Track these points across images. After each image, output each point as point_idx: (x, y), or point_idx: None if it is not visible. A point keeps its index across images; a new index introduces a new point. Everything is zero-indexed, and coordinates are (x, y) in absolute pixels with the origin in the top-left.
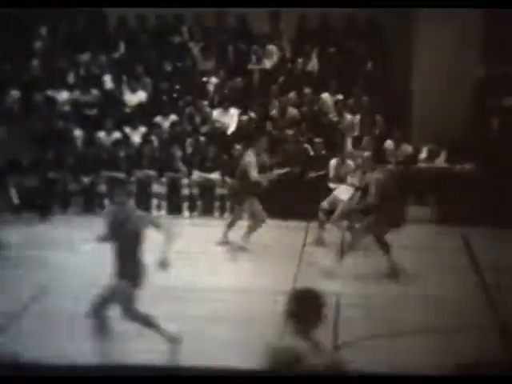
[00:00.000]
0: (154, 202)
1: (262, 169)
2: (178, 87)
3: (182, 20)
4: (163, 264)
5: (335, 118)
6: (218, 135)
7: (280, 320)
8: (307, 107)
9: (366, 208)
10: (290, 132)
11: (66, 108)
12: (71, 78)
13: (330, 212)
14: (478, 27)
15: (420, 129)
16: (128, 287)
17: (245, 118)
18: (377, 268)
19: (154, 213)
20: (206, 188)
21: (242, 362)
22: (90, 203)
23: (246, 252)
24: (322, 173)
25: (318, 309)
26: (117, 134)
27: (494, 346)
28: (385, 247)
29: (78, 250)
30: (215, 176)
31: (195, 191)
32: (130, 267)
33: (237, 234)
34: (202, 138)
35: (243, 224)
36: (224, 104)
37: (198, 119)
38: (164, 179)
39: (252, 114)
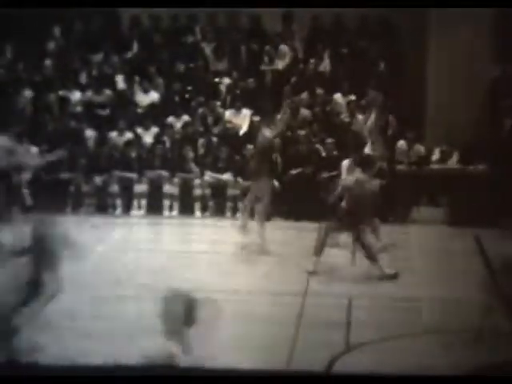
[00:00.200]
0: (166, 202)
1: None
2: (190, 88)
3: (195, 20)
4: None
5: (347, 119)
6: (230, 136)
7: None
8: (319, 108)
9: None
10: (302, 132)
11: (79, 108)
12: (84, 79)
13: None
14: (491, 27)
15: (433, 129)
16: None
17: (257, 118)
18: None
19: (166, 213)
20: (218, 189)
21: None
22: (102, 203)
23: (257, 252)
24: (334, 173)
25: (188, 311)
26: (129, 135)
27: (506, 347)
28: (370, 256)
29: (91, 251)
30: (227, 177)
31: (207, 192)
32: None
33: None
34: (215, 139)
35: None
36: (236, 105)
37: (210, 120)
38: (176, 180)
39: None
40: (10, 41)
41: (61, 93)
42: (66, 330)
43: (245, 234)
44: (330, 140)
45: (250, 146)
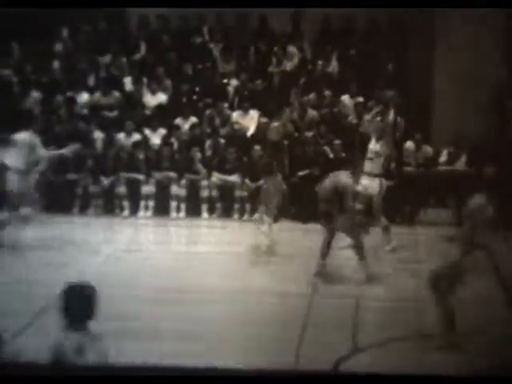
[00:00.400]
0: (174, 203)
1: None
2: (198, 89)
3: (203, 21)
4: None
5: (355, 121)
6: (237, 137)
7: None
8: (327, 109)
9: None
10: (309, 134)
11: (86, 110)
12: (92, 80)
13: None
14: (499, 28)
15: (440, 131)
16: None
17: (265, 120)
18: (397, 270)
19: (173, 214)
20: (226, 190)
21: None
22: (109, 204)
23: (264, 253)
24: None
25: (87, 303)
26: (136, 136)
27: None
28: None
29: (98, 252)
30: (235, 178)
31: (214, 193)
32: None
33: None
34: (222, 140)
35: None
36: (244, 106)
37: (217, 121)
38: (183, 181)
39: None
40: (17, 42)
41: (68, 94)
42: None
43: (261, 234)
44: (337, 141)
45: (257, 147)
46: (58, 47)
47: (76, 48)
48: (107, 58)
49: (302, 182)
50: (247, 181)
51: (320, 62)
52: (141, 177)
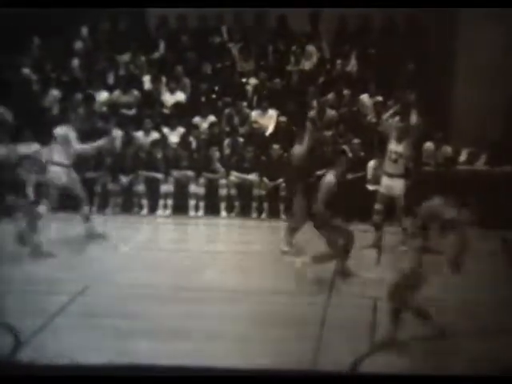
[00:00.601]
0: (192, 202)
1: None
2: (216, 88)
3: (222, 20)
4: None
5: (374, 120)
6: (256, 136)
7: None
8: (346, 108)
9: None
10: (328, 133)
11: (105, 108)
12: (111, 79)
13: (386, 212)
14: None
15: (460, 130)
16: None
17: (283, 119)
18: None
19: (192, 213)
20: (244, 189)
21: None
22: (128, 203)
23: (283, 253)
24: (360, 174)
25: None
26: (155, 135)
27: None
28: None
29: (117, 250)
30: (253, 177)
31: (233, 192)
32: None
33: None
34: (241, 139)
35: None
36: (263, 105)
37: (236, 120)
38: (202, 180)
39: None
40: (37, 40)
41: (88, 92)
42: (89, 328)
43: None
44: (356, 141)
45: (275, 146)
46: (78, 45)
47: (95, 46)
48: (126, 57)
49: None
50: (265, 179)
51: (339, 61)
52: (159, 175)
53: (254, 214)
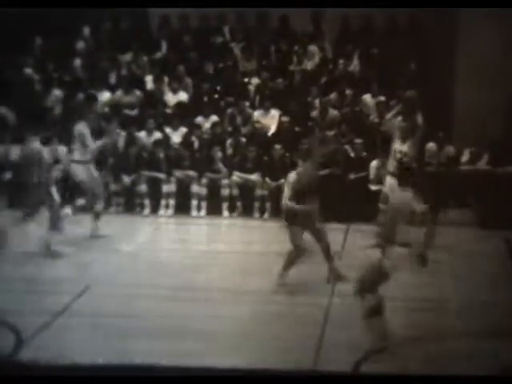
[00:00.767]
0: (194, 202)
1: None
2: (219, 88)
3: (224, 20)
4: None
5: (376, 120)
6: (258, 136)
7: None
8: (348, 108)
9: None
10: (330, 133)
11: (107, 108)
12: (113, 79)
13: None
14: None
15: (462, 130)
16: None
17: (286, 119)
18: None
19: (194, 213)
20: (246, 189)
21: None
22: (130, 203)
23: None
24: (362, 174)
25: None
26: (157, 135)
27: None
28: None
29: (119, 250)
30: (255, 177)
31: (235, 192)
32: None
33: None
34: (243, 139)
35: None
36: (265, 105)
37: (238, 120)
38: (204, 180)
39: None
40: (39, 40)
41: (90, 92)
42: (90, 328)
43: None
44: (358, 141)
45: (278, 146)
46: (80, 45)
47: (97, 46)
48: (128, 57)
49: (322, 182)
50: (268, 180)
51: (341, 61)
52: (162, 175)
53: (257, 214)
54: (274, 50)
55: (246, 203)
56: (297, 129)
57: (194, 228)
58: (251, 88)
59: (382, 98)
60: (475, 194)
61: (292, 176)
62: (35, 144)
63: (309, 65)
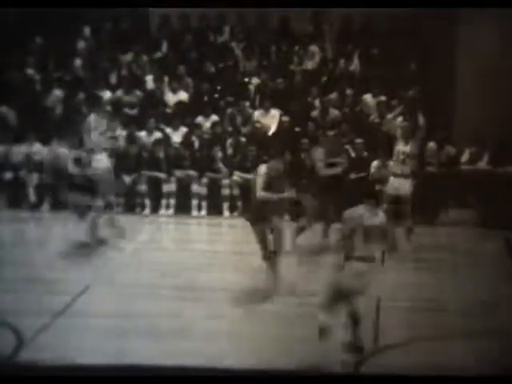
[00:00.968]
0: (195, 202)
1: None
2: (219, 88)
3: (224, 20)
4: None
5: (377, 120)
6: (258, 136)
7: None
8: (349, 108)
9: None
10: (330, 133)
11: (108, 108)
12: (113, 78)
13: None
14: None
15: (462, 130)
16: None
17: (286, 119)
18: (417, 270)
19: (194, 213)
20: (247, 189)
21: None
22: (130, 203)
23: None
24: (362, 174)
25: None
26: (158, 134)
27: None
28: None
29: (119, 250)
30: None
31: (236, 192)
32: None
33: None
34: (243, 139)
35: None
36: (265, 105)
37: (239, 120)
38: (204, 180)
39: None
40: (40, 40)
41: (90, 92)
42: (90, 328)
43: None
44: (359, 140)
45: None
46: (81, 45)
47: (98, 46)
48: (129, 57)
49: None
50: None
51: (342, 61)
52: (162, 175)
53: None
54: (275, 49)
55: (246, 203)
56: (297, 129)
57: (195, 228)
58: (251, 88)
59: (383, 98)
60: (475, 194)
61: (262, 169)
62: (61, 148)
63: (309, 65)
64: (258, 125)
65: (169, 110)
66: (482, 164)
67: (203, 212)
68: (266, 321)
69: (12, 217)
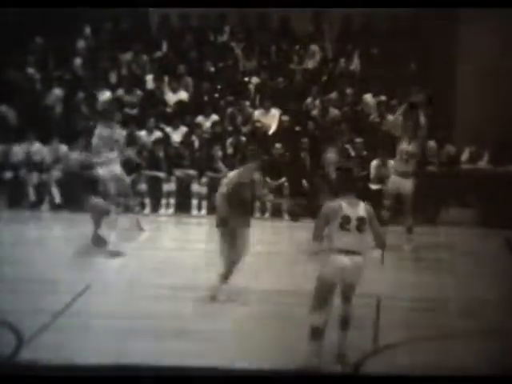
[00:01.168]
0: (195, 201)
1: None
2: (219, 87)
3: (225, 20)
4: None
5: (377, 119)
6: (259, 135)
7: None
8: (348, 108)
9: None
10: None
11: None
12: (113, 78)
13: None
14: None
15: (463, 130)
16: None
17: (286, 118)
18: (417, 270)
19: (195, 212)
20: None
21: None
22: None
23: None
24: (362, 174)
25: None
26: (158, 134)
27: None
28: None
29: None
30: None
31: None
32: None
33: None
34: (243, 138)
35: None
36: (265, 104)
37: (239, 119)
38: (204, 179)
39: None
40: (40, 39)
41: (90, 91)
42: (90, 328)
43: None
44: (359, 140)
45: (278, 146)
46: (81, 45)
47: (98, 46)
48: (129, 56)
49: (323, 181)
50: (268, 179)
51: (342, 61)
52: (162, 174)
53: (257, 214)
54: (275, 49)
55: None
56: (297, 128)
57: (195, 227)
58: (251, 87)
59: (383, 98)
60: (476, 194)
61: (232, 174)
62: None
63: (309, 64)
64: (258, 124)
65: (169, 110)
66: (483, 163)
67: (203, 211)
68: (266, 320)
69: (12, 216)
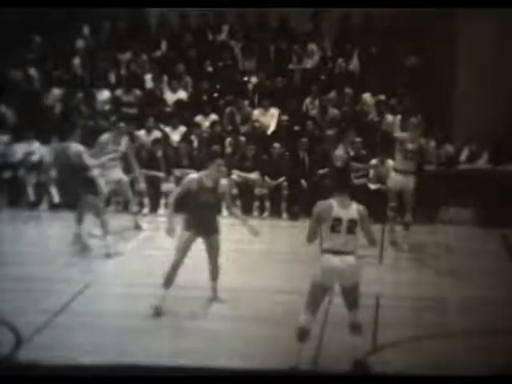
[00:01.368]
0: None
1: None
2: (218, 87)
3: (224, 19)
4: None
5: (376, 119)
6: (257, 135)
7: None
8: (348, 107)
9: None
10: (330, 132)
11: (107, 107)
12: (112, 77)
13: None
14: None
15: (462, 129)
16: None
17: (285, 117)
18: (417, 269)
19: None
20: (246, 187)
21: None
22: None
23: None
24: (361, 173)
25: None
26: (157, 133)
27: None
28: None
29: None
30: (255, 176)
31: (234, 191)
32: None
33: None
34: (242, 138)
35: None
36: (264, 104)
37: (238, 119)
38: None
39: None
40: (39, 39)
41: (89, 91)
42: (89, 328)
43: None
44: (358, 139)
45: (277, 145)
46: (80, 44)
47: (97, 45)
48: (128, 56)
49: (322, 180)
50: (267, 178)
51: (341, 60)
52: (161, 174)
53: (256, 213)
54: (274, 48)
55: (245, 202)
56: (296, 127)
57: None
58: (250, 87)
59: (382, 97)
60: (475, 193)
61: (192, 177)
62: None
63: (309, 63)
64: (257, 124)
65: (168, 109)
66: (482, 162)
67: None
68: (266, 320)
69: (11, 216)
